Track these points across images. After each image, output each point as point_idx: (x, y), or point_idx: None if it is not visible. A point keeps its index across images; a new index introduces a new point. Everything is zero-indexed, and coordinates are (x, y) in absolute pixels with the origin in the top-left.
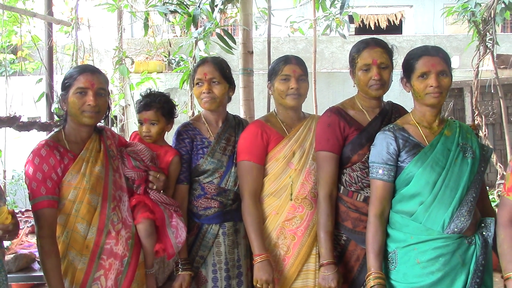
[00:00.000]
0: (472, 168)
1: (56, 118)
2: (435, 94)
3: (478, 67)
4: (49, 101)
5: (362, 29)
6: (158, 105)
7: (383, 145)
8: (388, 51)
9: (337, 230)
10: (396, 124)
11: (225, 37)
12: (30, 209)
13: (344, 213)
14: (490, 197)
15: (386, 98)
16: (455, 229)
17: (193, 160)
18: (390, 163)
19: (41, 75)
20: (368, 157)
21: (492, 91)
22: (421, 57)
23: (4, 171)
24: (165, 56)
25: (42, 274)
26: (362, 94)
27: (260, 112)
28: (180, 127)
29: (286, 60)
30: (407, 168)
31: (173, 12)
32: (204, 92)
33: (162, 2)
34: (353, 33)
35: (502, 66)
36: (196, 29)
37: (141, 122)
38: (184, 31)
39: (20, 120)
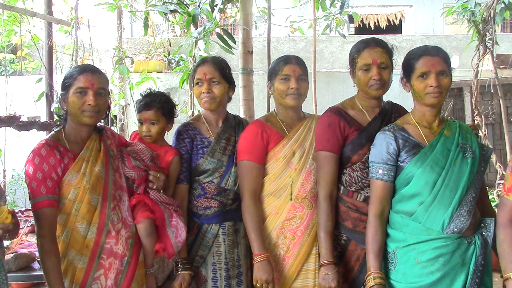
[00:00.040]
0: (472, 168)
1: (56, 117)
2: (435, 94)
3: (477, 67)
4: (49, 101)
5: (362, 29)
6: (158, 105)
7: (383, 145)
8: (388, 51)
9: (337, 230)
10: (396, 124)
11: (225, 37)
12: (30, 208)
13: (344, 213)
14: (490, 197)
15: (386, 98)
16: (455, 229)
17: (193, 160)
18: (390, 163)
19: (40, 75)
20: (368, 157)
21: (492, 91)
22: (421, 57)
23: (4, 171)
24: (165, 56)
25: (42, 273)
26: (362, 94)
27: (260, 112)
28: (180, 126)
29: (286, 60)
30: (407, 168)
31: (173, 11)
32: (204, 92)
33: (162, 2)
34: (353, 32)
35: (501, 66)
36: (196, 28)
37: (141, 122)
38: (184, 31)
39: (20, 120)
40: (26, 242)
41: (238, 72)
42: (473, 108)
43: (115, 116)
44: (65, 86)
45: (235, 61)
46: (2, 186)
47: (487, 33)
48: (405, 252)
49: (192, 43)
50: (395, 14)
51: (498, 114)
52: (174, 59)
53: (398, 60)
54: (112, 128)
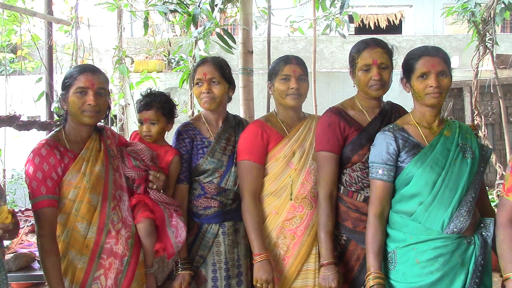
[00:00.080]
0: (472, 168)
1: (56, 117)
2: (434, 95)
3: (477, 67)
4: (49, 100)
5: (362, 29)
6: (159, 105)
7: (383, 145)
8: (388, 51)
9: (337, 230)
10: (396, 124)
11: (225, 37)
12: (30, 208)
13: (344, 213)
14: (490, 197)
15: (386, 98)
16: (455, 229)
17: (193, 160)
18: (390, 163)
19: (40, 74)
20: (368, 157)
21: (492, 91)
22: (421, 57)
23: (4, 170)
24: (165, 56)
25: (42, 273)
26: (362, 94)
27: (259, 111)
28: (180, 126)
29: (286, 60)
30: (406, 168)
31: (173, 11)
32: (203, 92)
33: (162, 2)
34: (353, 32)
35: (501, 66)
36: (196, 28)
37: (141, 122)
38: (184, 31)
39: (20, 119)
40: (26, 242)
41: (238, 72)
42: (473, 108)
43: (115, 116)
44: (65, 86)
45: (235, 61)
46: (2, 185)
47: (487, 33)
48: (405, 252)
49: (192, 43)
50: (395, 14)
51: (498, 114)
52: (174, 59)
53: (398, 60)
54: (112, 128)
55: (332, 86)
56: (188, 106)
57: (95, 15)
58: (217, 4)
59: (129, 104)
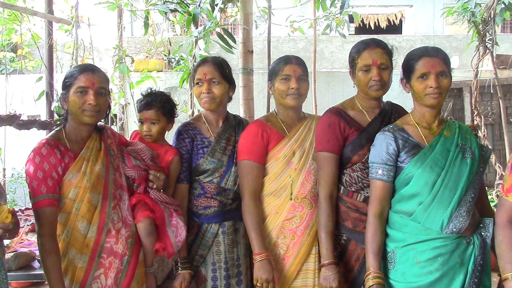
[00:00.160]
0: (471, 168)
1: (56, 116)
2: (434, 95)
3: (477, 67)
4: (49, 100)
5: (362, 29)
6: (159, 105)
7: (382, 145)
8: (388, 51)
9: (338, 230)
10: (395, 124)
11: (225, 36)
12: (30, 207)
13: (344, 213)
14: (489, 197)
15: (386, 98)
16: (454, 229)
17: (193, 160)
18: (390, 164)
19: (41, 74)
20: (368, 158)
21: (492, 91)
22: (421, 58)
23: (4, 169)
24: (165, 55)
25: (42, 272)
26: (362, 95)
27: (260, 111)
28: (180, 126)
29: (287, 60)
30: (406, 168)
31: (173, 11)
32: (204, 92)
33: (163, 1)
34: (353, 32)
35: (501, 67)
36: (196, 28)
37: (141, 121)
38: (184, 30)
39: (20, 119)
40: (26, 241)
41: (238, 71)
42: (473, 108)
43: (115, 115)
44: (66, 86)
45: (235, 61)
46: (2, 184)
47: (487, 34)
48: (404, 252)
49: (192, 43)
50: (395, 14)
51: (497, 115)
52: (174, 58)
53: (398, 60)
54: (112, 127)
55: (332, 86)
56: (188, 105)
57: (95, 14)
58: (217, 4)
59: (129, 104)
